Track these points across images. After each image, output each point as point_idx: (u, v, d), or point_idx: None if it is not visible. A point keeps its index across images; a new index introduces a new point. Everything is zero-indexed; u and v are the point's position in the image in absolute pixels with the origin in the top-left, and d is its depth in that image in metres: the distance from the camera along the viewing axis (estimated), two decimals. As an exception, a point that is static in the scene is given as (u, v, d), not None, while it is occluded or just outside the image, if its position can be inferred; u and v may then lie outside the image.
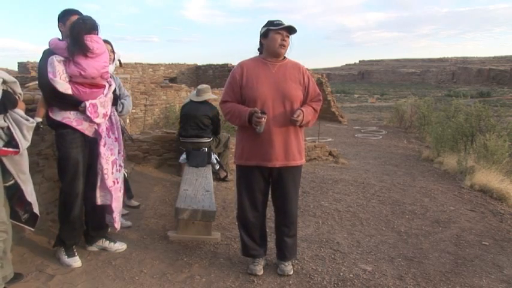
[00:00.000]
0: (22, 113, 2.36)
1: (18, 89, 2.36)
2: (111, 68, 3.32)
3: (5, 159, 2.26)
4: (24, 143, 2.30)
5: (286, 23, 2.66)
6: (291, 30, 2.66)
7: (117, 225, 2.96)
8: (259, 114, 2.55)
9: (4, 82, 2.26)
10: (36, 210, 2.47)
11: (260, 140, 2.65)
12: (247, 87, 2.67)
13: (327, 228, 3.84)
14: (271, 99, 2.63)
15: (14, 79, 2.33)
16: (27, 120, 2.35)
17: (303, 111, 2.65)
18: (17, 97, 2.35)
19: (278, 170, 2.71)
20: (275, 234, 2.92)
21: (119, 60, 3.49)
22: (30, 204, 2.43)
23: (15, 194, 2.38)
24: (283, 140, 2.66)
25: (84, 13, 2.71)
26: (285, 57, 2.78)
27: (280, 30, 2.63)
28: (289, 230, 2.83)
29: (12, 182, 2.32)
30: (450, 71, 63.56)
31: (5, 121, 2.24)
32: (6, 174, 2.30)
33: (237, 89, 2.71)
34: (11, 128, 2.26)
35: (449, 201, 5.02)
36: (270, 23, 2.67)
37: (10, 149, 2.25)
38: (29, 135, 2.35)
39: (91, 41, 2.59)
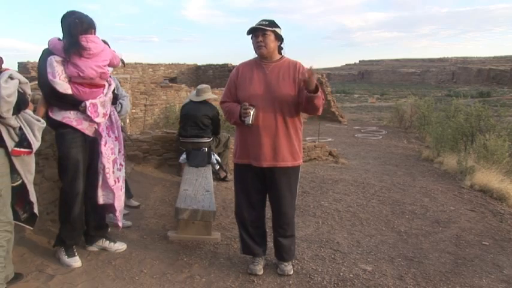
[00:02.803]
0: (32, 113, 2.37)
1: (28, 89, 2.37)
2: (111, 68, 3.32)
3: (15, 160, 2.27)
4: (36, 143, 2.32)
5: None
6: (260, 29, 2.62)
7: (121, 224, 2.99)
8: (246, 105, 2.59)
9: (19, 83, 2.27)
10: (35, 210, 2.47)
11: (250, 139, 2.68)
12: (240, 88, 2.73)
13: (327, 228, 3.84)
14: (261, 100, 2.64)
15: (26, 80, 2.34)
16: (39, 120, 2.37)
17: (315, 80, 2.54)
18: (27, 98, 2.36)
19: (270, 170, 2.70)
20: (272, 234, 2.93)
21: (122, 60, 3.48)
22: (31, 204, 2.43)
23: (15, 194, 2.38)
24: (271, 140, 2.65)
25: (85, 13, 2.70)
26: (282, 56, 2.77)
27: (253, 33, 2.67)
28: (285, 231, 2.82)
29: (19, 182, 2.33)
30: (450, 71, 63.46)
31: (17, 122, 2.25)
32: (14, 174, 2.30)
33: (233, 90, 2.78)
34: (23, 129, 2.27)
35: (449, 201, 5.02)
36: None
37: (23, 150, 2.26)
38: (39, 136, 2.36)
39: (87, 41, 2.58)
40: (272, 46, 2.67)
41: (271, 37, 2.65)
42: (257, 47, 2.67)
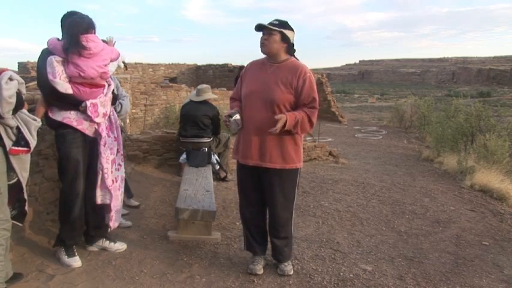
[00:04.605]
0: (27, 112, 2.40)
1: (23, 89, 2.40)
2: (111, 69, 3.31)
3: (12, 158, 2.30)
4: (33, 142, 2.36)
5: (291, 22, 2.71)
6: (265, 27, 2.64)
7: (112, 224, 2.94)
8: (226, 117, 2.69)
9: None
10: (26, 207, 2.51)
11: (242, 137, 2.75)
12: (243, 85, 2.81)
13: (327, 228, 3.84)
14: (255, 99, 2.67)
15: (22, 80, 2.37)
16: (35, 120, 2.41)
17: (286, 116, 2.54)
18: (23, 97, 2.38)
19: (262, 170, 2.71)
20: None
21: (124, 63, 3.48)
22: (24, 201, 2.46)
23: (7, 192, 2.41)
24: (259, 140, 2.66)
25: (85, 13, 2.70)
26: (289, 57, 2.73)
27: (258, 31, 2.70)
28: (278, 232, 2.80)
29: (15, 180, 2.36)
30: (450, 71, 63.41)
31: (14, 121, 2.28)
32: (10, 172, 2.33)
33: (239, 86, 2.87)
34: (21, 128, 2.31)
35: (449, 201, 5.02)
36: None
37: (21, 148, 2.31)
38: (35, 135, 2.41)
39: (87, 40, 2.58)
40: (275, 47, 2.65)
41: (276, 37, 2.63)
42: (260, 44, 2.69)
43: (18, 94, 2.29)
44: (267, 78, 2.68)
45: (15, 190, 2.40)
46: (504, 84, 50.00)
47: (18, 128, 2.31)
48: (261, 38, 2.68)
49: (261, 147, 2.67)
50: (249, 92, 2.71)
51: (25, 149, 2.33)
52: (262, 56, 2.78)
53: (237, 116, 2.67)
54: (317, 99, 2.68)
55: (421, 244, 3.57)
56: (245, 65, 2.95)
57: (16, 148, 2.29)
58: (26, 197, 2.46)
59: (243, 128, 2.72)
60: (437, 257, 3.31)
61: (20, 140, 2.31)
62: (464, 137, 8.11)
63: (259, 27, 2.67)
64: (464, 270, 3.11)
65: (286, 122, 2.54)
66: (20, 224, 2.59)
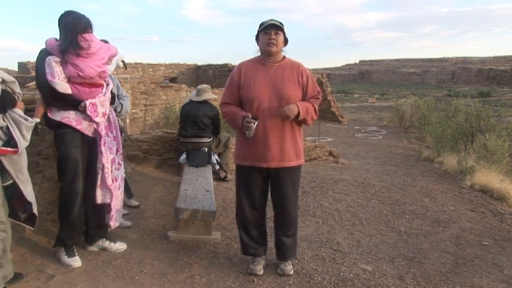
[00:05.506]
0: (21, 112, 2.35)
1: (17, 88, 2.36)
2: (111, 68, 3.32)
3: (3, 159, 2.26)
4: (23, 142, 2.30)
5: (286, 22, 2.70)
6: (275, 27, 2.64)
7: (113, 223, 2.94)
8: (249, 119, 2.58)
9: (3, 82, 2.26)
10: (35, 210, 2.47)
11: (256, 140, 2.66)
12: (244, 88, 2.70)
13: (327, 228, 3.84)
14: (267, 100, 2.64)
15: (13, 79, 2.33)
16: (26, 119, 2.34)
17: (297, 105, 2.62)
18: (16, 97, 2.35)
19: (275, 170, 2.71)
20: (274, 233, 2.92)
21: (123, 62, 3.47)
22: (30, 204, 2.43)
23: (14, 193, 2.38)
24: (279, 141, 2.66)
25: (82, 13, 2.70)
26: (284, 56, 2.77)
27: (266, 29, 2.65)
28: (288, 229, 2.82)
29: (10, 181, 2.32)
30: (450, 71, 63.36)
31: (4, 121, 2.24)
32: (5, 174, 2.29)
33: (235, 90, 2.75)
34: (10, 128, 2.25)
35: (449, 201, 5.02)
36: (260, 25, 2.70)
37: (9, 149, 2.25)
38: (28, 135, 2.34)
39: (84, 40, 2.58)
40: (280, 46, 2.70)
41: (281, 37, 2.68)
42: (268, 43, 2.66)
43: (7, 92, 2.25)
44: (273, 78, 2.68)
45: (19, 192, 2.37)
46: (504, 84, 49.95)
47: (8, 128, 2.25)
48: (268, 37, 2.65)
49: (281, 148, 2.67)
50: (258, 95, 2.65)
51: (13, 149, 2.26)
52: (251, 56, 2.79)
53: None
54: (320, 90, 2.81)
55: (421, 244, 3.57)
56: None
57: (4, 148, 2.23)
58: (29, 199, 2.42)
59: (255, 131, 2.64)
60: (437, 257, 3.31)
61: (10, 140, 2.25)
62: (464, 137, 8.12)
63: (269, 26, 2.64)
64: (464, 270, 3.11)
65: (299, 110, 2.62)
66: (31, 228, 2.57)
